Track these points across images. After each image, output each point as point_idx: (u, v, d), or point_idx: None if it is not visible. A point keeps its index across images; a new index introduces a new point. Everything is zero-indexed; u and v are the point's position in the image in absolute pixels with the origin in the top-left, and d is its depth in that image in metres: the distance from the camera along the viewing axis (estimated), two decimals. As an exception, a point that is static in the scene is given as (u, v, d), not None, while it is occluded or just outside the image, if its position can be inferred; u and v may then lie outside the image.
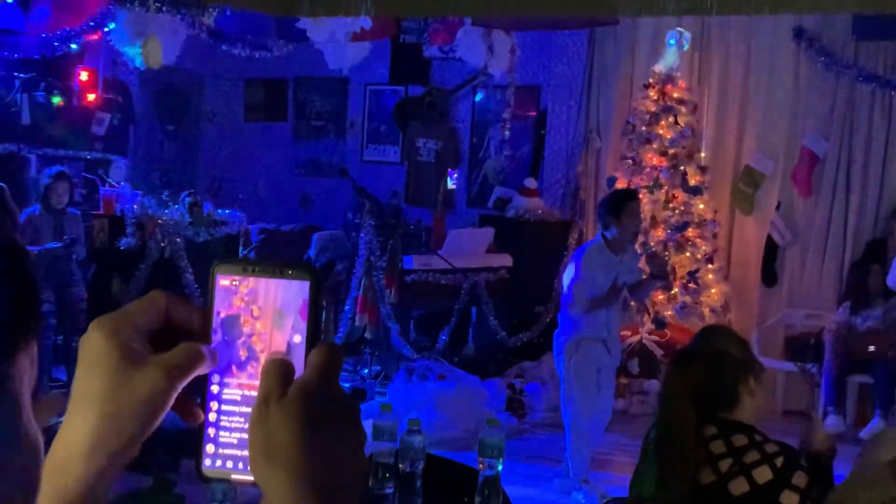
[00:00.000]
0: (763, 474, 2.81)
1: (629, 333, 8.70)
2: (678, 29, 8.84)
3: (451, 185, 10.70)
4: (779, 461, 2.83)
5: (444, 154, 10.78)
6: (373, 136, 11.56)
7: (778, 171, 9.14)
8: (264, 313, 0.82)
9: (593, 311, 5.87)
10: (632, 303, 7.35)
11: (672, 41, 8.91)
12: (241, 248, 8.13)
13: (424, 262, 8.53)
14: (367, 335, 8.54)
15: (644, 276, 6.23)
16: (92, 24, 7.70)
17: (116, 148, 10.07)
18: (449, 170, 10.74)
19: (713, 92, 9.42)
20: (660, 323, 8.60)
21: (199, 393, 0.83)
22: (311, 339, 0.81)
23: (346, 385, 7.98)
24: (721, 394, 2.96)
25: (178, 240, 7.13)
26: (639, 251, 6.60)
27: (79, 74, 9.53)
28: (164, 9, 6.32)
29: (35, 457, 0.77)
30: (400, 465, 2.91)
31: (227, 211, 7.74)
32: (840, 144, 8.91)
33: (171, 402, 0.79)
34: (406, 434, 2.99)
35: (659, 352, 8.57)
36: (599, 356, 5.99)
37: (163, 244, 7.06)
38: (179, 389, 0.79)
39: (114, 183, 8.41)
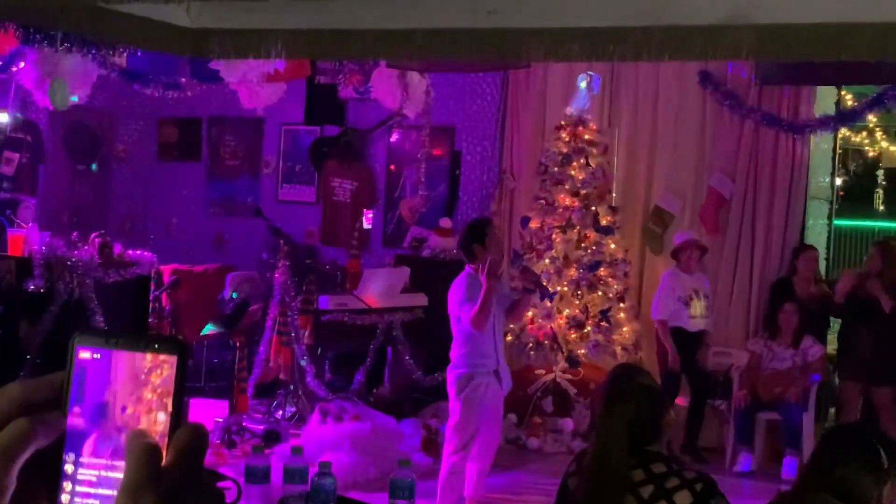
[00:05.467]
0: (683, 499, 2.89)
1: (543, 372, 8.77)
2: (588, 73, 9.01)
3: (366, 224, 10.71)
4: (698, 486, 2.92)
5: (360, 194, 10.80)
6: (288, 176, 11.53)
7: (686, 211, 9.35)
8: (126, 389, 0.77)
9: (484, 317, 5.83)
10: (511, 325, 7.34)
11: (583, 84, 9.09)
12: (152, 289, 8.02)
13: (340, 302, 8.51)
14: (282, 376, 8.48)
15: (517, 296, 6.23)
16: (0, 63, 7.59)
17: (25, 188, 9.89)
18: (364, 209, 10.76)
19: (623, 134, 9.62)
20: (573, 361, 8.70)
21: (49, 479, 0.77)
22: (176, 418, 0.77)
23: (261, 427, 7.91)
24: (650, 428, 3.05)
25: (88, 281, 7.01)
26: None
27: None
28: (73, 48, 6.24)
29: None
30: (311, 509, 2.90)
31: (138, 251, 7.64)
32: (746, 185, 9.15)
33: (11, 486, 0.75)
34: (317, 476, 2.99)
35: (573, 390, 8.65)
36: (490, 390, 5.99)
37: (72, 286, 6.93)
38: (15, 470, 0.75)
39: (22, 223, 8.26)
